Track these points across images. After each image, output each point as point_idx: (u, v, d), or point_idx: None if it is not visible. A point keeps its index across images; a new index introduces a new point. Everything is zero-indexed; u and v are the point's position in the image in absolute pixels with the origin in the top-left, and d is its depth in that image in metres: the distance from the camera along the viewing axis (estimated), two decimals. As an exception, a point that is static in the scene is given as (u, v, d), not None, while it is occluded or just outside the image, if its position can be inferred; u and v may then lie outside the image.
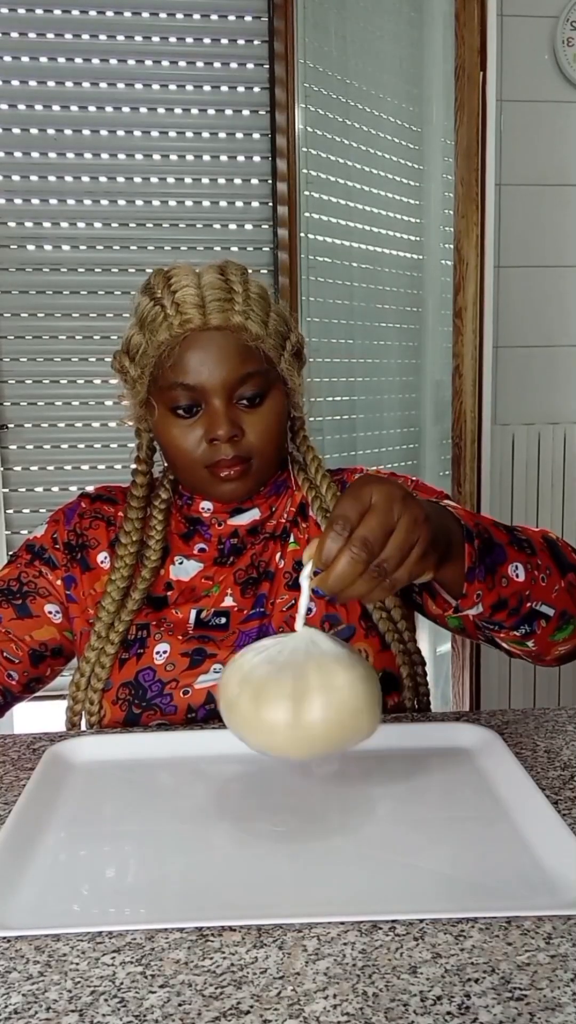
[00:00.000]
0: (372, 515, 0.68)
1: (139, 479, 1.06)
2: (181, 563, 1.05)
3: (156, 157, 2.19)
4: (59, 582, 1.04)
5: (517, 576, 0.84)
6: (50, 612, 1.04)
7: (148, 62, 2.16)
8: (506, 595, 0.83)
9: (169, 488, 1.07)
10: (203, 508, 1.04)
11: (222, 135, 2.21)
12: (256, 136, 2.21)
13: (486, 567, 0.81)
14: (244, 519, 1.04)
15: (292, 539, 1.04)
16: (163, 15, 2.14)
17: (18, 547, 1.08)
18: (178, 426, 0.97)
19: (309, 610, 0.97)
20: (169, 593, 1.03)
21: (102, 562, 1.04)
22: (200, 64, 2.18)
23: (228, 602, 1.01)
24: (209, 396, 0.95)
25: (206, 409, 0.96)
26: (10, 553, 1.10)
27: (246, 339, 0.95)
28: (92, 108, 2.16)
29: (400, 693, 1.03)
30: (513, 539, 0.86)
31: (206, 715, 0.96)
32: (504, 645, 0.93)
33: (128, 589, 1.01)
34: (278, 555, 1.04)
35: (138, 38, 2.15)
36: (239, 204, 2.23)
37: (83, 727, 1.02)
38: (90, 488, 1.12)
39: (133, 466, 1.07)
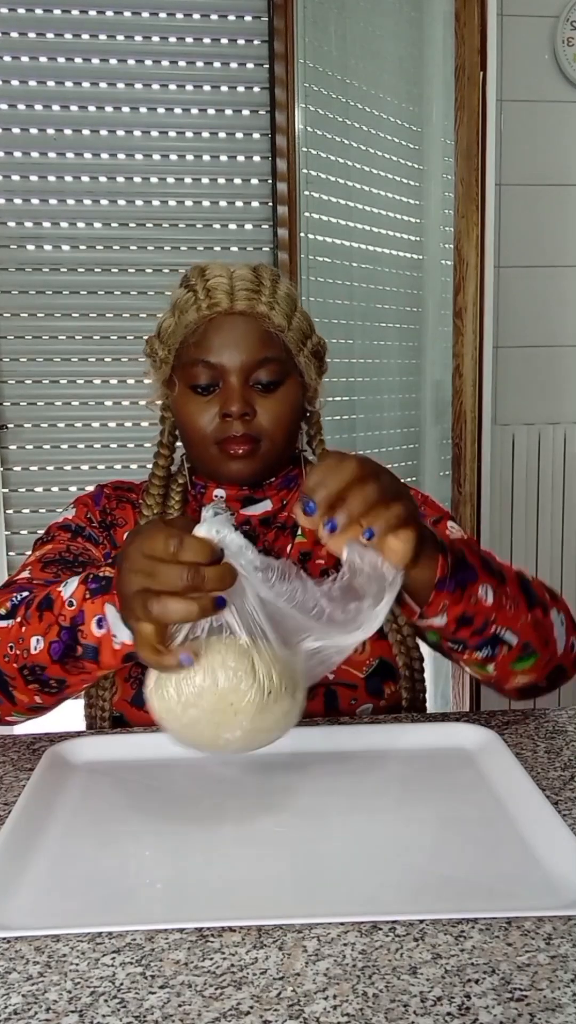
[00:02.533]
0: (363, 482, 0.73)
1: (161, 461, 1.10)
2: None
3: (156, 157, 2.19)
4: (101, 557, 1.06)
5: (485, 598, 0.85)
6: None
7: (148, 62, 2.16)
8: (472, 613, 0.85)
9: (186, 475, 1.11)
10: (216, 496, 1.07)
11: (222, 135, 2.21)
12: (256, 136, 2.21)
13: (456, 581, 0.82)
14: (256, 510, 1.07)
15: (300, 532, 1.08)
16: (163, 15, 2.14)
17: (47, 531, 1.07)
18: (195, 402, 1.02)
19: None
20: None
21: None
22: (200, 64, 2.18)
23: None
24: (227, 375, 1.00)
25: (223, 387, 1.01)
26: (38, 540, 1.08)
27: (268, 326, 1.00)
28: (92, 108, 2.16)
29: (396, 682, 1.05)
30: (485, 564, 0.87)
31: None
32: (467, 668, 0.94)
33: None
34: (288, 547, 1.07)
35: (138, 38, 2.15)
36: (239, 204, 2.23)
37: (97, 707, 1.03)
38: (103, 481, 1.15)
39: (156, 450, 1.12)
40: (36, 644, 0.85)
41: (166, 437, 1.10)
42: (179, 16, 2.15)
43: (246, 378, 1.00)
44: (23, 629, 0.86)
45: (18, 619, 0.87)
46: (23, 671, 0.86)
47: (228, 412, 0.99)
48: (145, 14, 2.14)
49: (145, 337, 1.09)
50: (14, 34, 2.11)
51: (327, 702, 1.00)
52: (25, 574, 1.00)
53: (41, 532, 1.09)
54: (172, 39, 2.16)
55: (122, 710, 1.01)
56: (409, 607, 0.86)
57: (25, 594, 0.90)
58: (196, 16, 2.15)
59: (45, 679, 0.87)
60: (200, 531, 0.69)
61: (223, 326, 1.00)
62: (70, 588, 0.86)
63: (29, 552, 1.07)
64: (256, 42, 2.17)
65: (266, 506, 1.07)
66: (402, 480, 1.11)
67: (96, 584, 0.84)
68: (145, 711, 0.97)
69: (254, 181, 2.22)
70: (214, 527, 0.69)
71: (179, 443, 1.11)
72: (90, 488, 1.14)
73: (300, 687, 0.73)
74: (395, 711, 1.05)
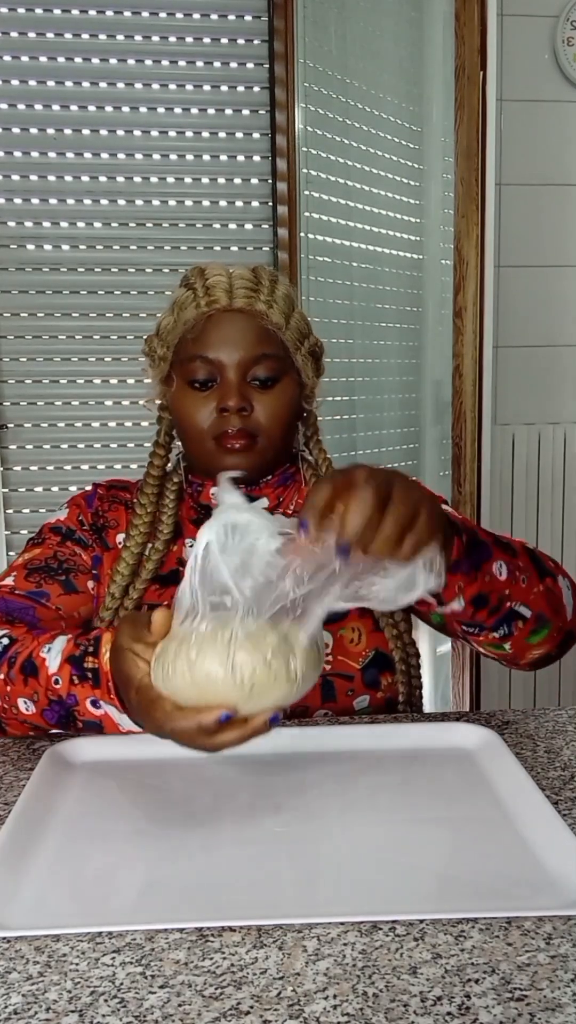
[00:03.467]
0: (365, 488, 0.69)
1: (156, 460, 1.11)
2: (191, 546, 1.06)
3: (156, 157, 2.19)
4: (89, 560, 1.07)
5: (500, 574, 0.86)
6: (91, 588, 1.06)
7: (148, 62, 2.16)
8: (487, 591, 0.86)
9: (182, 474, 1.11)
10: (213, 494, 1.07)
11: (222, 135, 2.21)
12: (256, 136, 2.21)
13: (471, 562, 0.83)
14: None
15: None
16: (163, 14, 2.14)
17: (39, 531, 1.09)
18: (193, 397, 1.03)
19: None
20: (181, 570, 1.05)
21: (120, 542, 1.07)
22: (200, 64, 2.18)
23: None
24: (225, 370, 1.01)
25: (220, 382, 1.02)
26: (30, 540, 1.09)
27: (266, 324, 1.01)
28: (92, 108, 2.15)
29: (393, 674, 1.05)
30: (496, 540, 0.89)
31: None
32: (481, 649, 0.96)
33: (141, 560, 1.05)
34: None
35: (138, 37, 2.15)
36: (239, 204, 2.23)
37: None
38: (100, 480, 1.15)
39: (152, 449, 1.12)
40: (25, 706, 0.88)
41: (162, 436, 1.11)
42: (179, 16, 2.15)
43: (244, 374, 1.01)
44: (8, 688, 0.89)
45: (1, 675, 0.89)
46: (18, 719, 0.90)
47: (225, 407, 1.00)
48: (145, 14, 2.14)
49: (146, 336, 1.10)
50: (14, 34, 2.11)
51: (324, 693, 1.00)
52: (9, 580, 1.02)
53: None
54: (172, 39, 2.16)
55: None
56: (424, 599, 0.86)
57: (6, 642, 0.92)
58: (196, 16, 2.15)
59: (43, 728, 0.91)
60: (220, 517, 0.68)
61: (221, 322, 1.01)
62: (54, 662, 0.86)
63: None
64: (256, 42, 2.17)
65: (263, 503, 1.07)
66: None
67: (80, 672, 0.85)
68: None
69: (254, 181, 2.22)
70: (231, 513, 0.68)
71: (175, 443, 1.11)
72: (87, 487, 1.14)
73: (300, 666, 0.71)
74: (392, 705, 1.05)
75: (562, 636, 0.95)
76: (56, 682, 0.86)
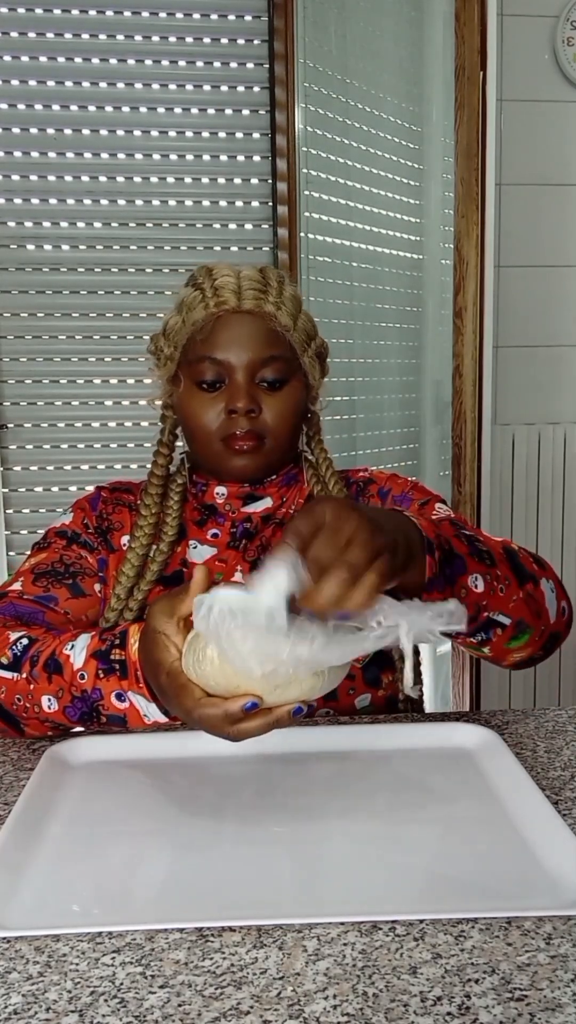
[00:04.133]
0: (324, 533, 0.67)
1: (160, 460, 1.10)
2: (196, 547, 1.08)
3: (156, 157, 2.19)
4: (95, 563, 1.06)
5: (476, 587, 0.85)
6: (99, 591, 1.06)
7: (148, 62, 2.16)
8: (463, 604, 0.83)
9: (186, 475, 1.11)
10: (217, 494, 1.07)
11: (222, 135, 2.21)
12: (256, 136, 2.21)
13: (445, 577, 0.82)
14: (257, 507, 1.08)
15: None
16: (163, 14, 2.14)
17: (44, 536, 1.09)
18: (201, 399, 1.03)
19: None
20: (184, 571, 1.07)
21: (124, 545, 1.07)
22: (200, 63, 2.18)
23: (239, 579, 1.05)
24: (234, 372, 1.01)
25: (229, 384, 1.02)
26: (35, 545, 1.09)
27: (275, 326, 1.02)
28: (92, 108, 2.15)
29: (394, 672, 1.06)
30: (474, 550, 0.86)
31: None
32: (462, 648, 0.95)
33: (146, 561, 1.05)
34: None
35: (138, 37, 2.15)
36: (239, 204, 2.23)
37: None
38: (103, 483, 1.15)
39: (155, 449, 1.12)
40: (48, 703, 0.88)
41: (166, 436, 1.11)
42: (179, 16, 2.15)
43: (252, 375, 1.02)
44: (31, 687, 0.89)
45: (23, 674, 0.89)
46: (39, 718, 0.90)
47: (234, 408, 1.00)
48: (145, 14, 2.14)
49: (146, 336, 1.10)
50: (14, 34, 2.11)
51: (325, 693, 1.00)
52: (17, 586, 1.02)
53: (41, 532, 1.10)
54: (172, 39, 2.16)
55: None
56: None
57: (25, 642, 0.92)
58: (196, 16, 2.15)
59: (63, 726, 0.90)
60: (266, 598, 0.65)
61: (230, 324, 1.01)
62: (79, 658, 0.87)
63: (28, 552, 1.08)
64: (256, 42, 2.17)
65: (267, 503, 1.08)
66: (403, 476, 1.13)
67: (106, 665, 0.86)
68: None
69: (254, 181, 2.22)
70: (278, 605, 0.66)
71: (179, 443, 1.11)
72: (90, 488, 1.14)
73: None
74: (393, 703, 1.06)
75: (545, 639, 0.93)
76: (81, 677, 0.86)
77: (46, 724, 0.90)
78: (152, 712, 0.85)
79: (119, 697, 0.85)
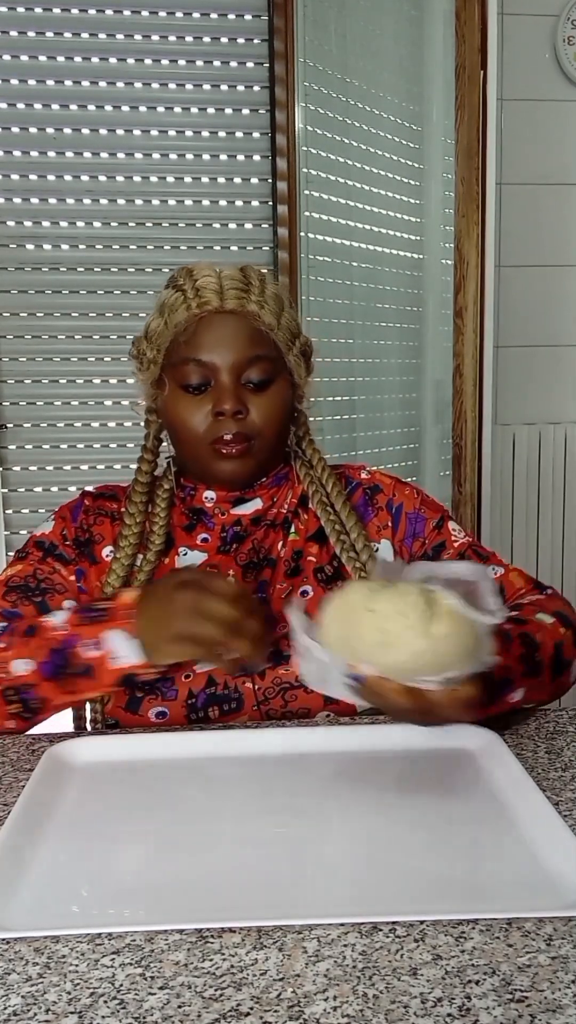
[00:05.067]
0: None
1: (144, 466, 1.09)
2: (186, 554, 1.06)
3: (156, 156, 2.19)
4: (72, 577, 1.05)
5: (514, 698, 0.88)
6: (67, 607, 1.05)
7: (148, 61, 2.16)
8: (497, 710, 0.88)
9: (172, 480, 1.09)
10: (206, 498, 1.06)
11: (222, 134, 2.20)
12: (256, 135, 2.21)
13: (491, 699, 0.85)
14: (246, 509, 1.06)
15: (293, 529, 1.07)
16: (163, 14, 2.14)
17: (25, 544, 1.08)
18: (187, 402, 1.02)
19: (305, 592, 1.04)
20: None
21: (107, 556, 1.05)
22: (200, 63, 2.17)
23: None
24: (219, 373, 1.00)
25: (215, 386, 1.01)
26: (16, 552, 1.08)
27: (258, 325, 1.00)
28: (91, 107, 2.15)
29: None
30: (529, 666, 0.89)
31: (205, 700, 0.98)
32: None
33: (132, 572, 1.04)
34: (279, 544, 1.06)
35: (138, 37, 2.15)
36: (239, 203, 2.23)
37: (87, 712, 1.03)
38: (90, 487, 1.12)
39: (140, 455, 1.10)
40: (23, 666, 0.90)
41: (151, 441, 1.09)
42: (179, 15, 2.15)
43: (238, 376, 1.00)
44: (8, 653, 0.91)
45: (1, 644, 0.92)
46: (6, 692, 0.91)
47: (221, 410, 0.99)
48: (145, 13, 2.14)
49: (130, 338, 1.08)
50: (14, 33, 2.11)
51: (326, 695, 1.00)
52: None
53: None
54: (172, 38, 2.15)
55: (116, 716, 1.00)
56: None
57: (3, 624, 0.95)
58: (196, 15, 2.15)
59: (28, 698, 0.91)
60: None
61: (213, 324, 1.00)
62: (59, 617, 0.92)
63: (12, 556, 1.08)
64: (256, 41, 2.17)
65: (256, 505, 1.06)
66: (406, 480, 1.13)
67: (87, 614, 0.90)
68: (140, 715, 0.97)
69: (254, 180, 2.22)
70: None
71: (164, 446, 1.09)
72: (89, 488, 1.13)
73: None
74: None
75: (554, 699, 0.97)
76: (62, 629, 0.90)
77: (12, 702, 0.91)
78: (125, 651, 0.87)
79: (95, 646, 0.88)
